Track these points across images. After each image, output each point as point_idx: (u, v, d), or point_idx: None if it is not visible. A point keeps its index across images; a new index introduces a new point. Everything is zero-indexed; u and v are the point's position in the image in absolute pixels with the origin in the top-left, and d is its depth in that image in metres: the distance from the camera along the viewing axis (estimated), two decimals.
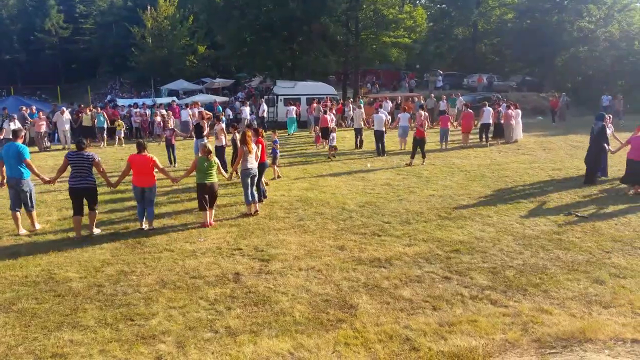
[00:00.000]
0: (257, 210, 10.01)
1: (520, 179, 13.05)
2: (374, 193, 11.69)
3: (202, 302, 6.16)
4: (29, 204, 8.94)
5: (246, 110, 25.28)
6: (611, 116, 14.75)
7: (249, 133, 10.17)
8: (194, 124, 14.67)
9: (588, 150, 12.58)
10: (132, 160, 8.92)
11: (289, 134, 24.19)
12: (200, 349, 5.11)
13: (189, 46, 47.04)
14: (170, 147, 15.51)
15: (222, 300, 6.21)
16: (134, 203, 10.90)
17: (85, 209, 8.85)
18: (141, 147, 8.99)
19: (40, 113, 20.61)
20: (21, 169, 8.75)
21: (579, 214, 9.78)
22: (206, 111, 19.99)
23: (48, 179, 9.08)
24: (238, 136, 13.52)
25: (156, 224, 9.38)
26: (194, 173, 9.42)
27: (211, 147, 9.80)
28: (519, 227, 9.01)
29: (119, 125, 21.81)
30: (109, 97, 43.74)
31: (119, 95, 45.72)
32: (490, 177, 13.36)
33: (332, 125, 18.63)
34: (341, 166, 15.27)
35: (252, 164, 9.98)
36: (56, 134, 21.51)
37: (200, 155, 9.43)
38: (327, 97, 27.04)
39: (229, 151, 14.37)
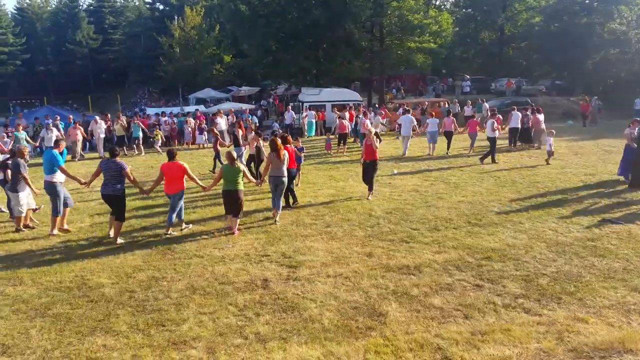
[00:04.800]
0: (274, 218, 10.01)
1: (552, 185, 12.77)
2: (401, 199, 11.59)
3: (231, 308, 6.19)
4: (56, 209, 9.35)
5: (289, 115, 26.67)
6: None
7: (278, 140, 10.16)
8: (232, 134, 14.91)
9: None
10: (164, 168, 9.13)
11: (307, 137, 24.88)
12: (230, 355, 5.13)
13: (216, 55, 47.70)
14: (215, 153, 15.52)
15: (251, 306, 6.23)
16: (164, 209, 11.10)
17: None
18: (172, 155, 9.18)
19: (77, 123, 21.09)
20: (53, 174, 9.26)
21: (614, 220, 9.51)
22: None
23: (84, 182, 9.63)
24: (262, 143, 13.70)
25: (186, 230, 9.50)
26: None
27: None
28: (551, 234, 8.81)
29: (156, 135, 22.21)
30: (140, 106, 44.66)
31: (147, 104, 46.59)
32: (521, 182, 13.11)
33: (369, 130, 18.82)
34: None
35: (280, 171, 9.93)
36: (87, 144, 22.04)
37: (225, 163, 9.49)
38: (361, 105, 27.25)
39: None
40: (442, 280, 6.90)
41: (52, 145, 9.61)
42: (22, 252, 8.51)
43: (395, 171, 15.16)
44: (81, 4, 73.04)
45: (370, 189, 11.78)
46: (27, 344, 5.43)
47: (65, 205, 9.53)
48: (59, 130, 20.18)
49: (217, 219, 10.27)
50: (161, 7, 67.19)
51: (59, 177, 9.37)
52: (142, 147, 21.28)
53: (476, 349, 5.15)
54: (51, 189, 9.26)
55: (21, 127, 18.51)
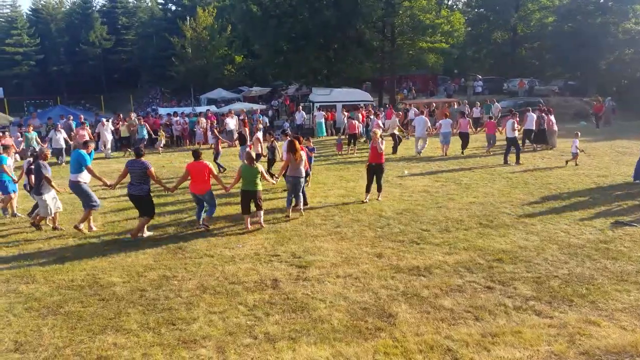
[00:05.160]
0: (288, 216, 10.24)
1: (564, 186, 12.65)
2: (412, 200, 11.55)
3: (241, 307, 6.21)
4: (86, 205, 9.47)
5: (299, 115, 26.88)
6: None
7: (296, 142, 10.36)
8: (238, 132, 15.32)
9: None
10: (190, 167, 9.23)
11: (318, 137, 24.90)
12: (240, 354, 5.14)
13: (227, 56, 47.87)
14: (215, 154, 15.82)
15: (260, 306, 6.24)
16: (174, 208, 11.19)
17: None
18: (197, 155, 9.33)
19: (84, 124, 21.27)
20: (78, 174, 9.34)
21: (627, 222, 9.40)
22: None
23: (109, 183, 9.69)
24: (277, 144, 13.78)
25: (196, 230, 9.56)
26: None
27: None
28: (564, 236, 8.73)
29: (160, 135, 22.37)
30: (152, 106, 45.01)
31: (160, 105, 46.87)
32: (533, 184, 13.01)
33: (393, 131, 19.29)
34: None
35: (299, 172, 10.18)
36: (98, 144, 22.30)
37: (244, 163, 9.58)
38: (369, 105, 27.21)
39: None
40: (452, 282, 6.86)
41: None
42: (35, 251, 8.60)
43: (406, 172, 15.11)
44: (94, 4, 73.73)
45: (380, 189, 11.57)
46: (40, 341, 5.49)
47: (93, 206, 9.53)
48: (71, 129, 20.40)
49: (226, 219, 10.30)
50: (173, 7, 67.54)
51: (84, 176, 9.42)
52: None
53: (486, 350, 5.12)
54: (76, 188, 9.34)
55: (31, 128, 18.76)
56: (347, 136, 20.32)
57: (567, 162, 15.66)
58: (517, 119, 17.45)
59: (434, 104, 28.18)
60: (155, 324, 5.82)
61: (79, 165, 9.35)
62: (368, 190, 11.50)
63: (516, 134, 16.43)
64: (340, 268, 7.45)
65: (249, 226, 9.44)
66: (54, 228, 9.80)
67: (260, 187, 9.49)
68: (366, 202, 11.29)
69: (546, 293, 6.47)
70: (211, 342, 5.39)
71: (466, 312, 5.97)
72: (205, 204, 9.58)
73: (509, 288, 6.63)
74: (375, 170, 11.35)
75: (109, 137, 21.11)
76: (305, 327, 5.68)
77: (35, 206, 10.44)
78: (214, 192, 9.79)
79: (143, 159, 9.05)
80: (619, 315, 5.84)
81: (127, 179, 9.13)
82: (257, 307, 6.21)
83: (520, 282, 6.80)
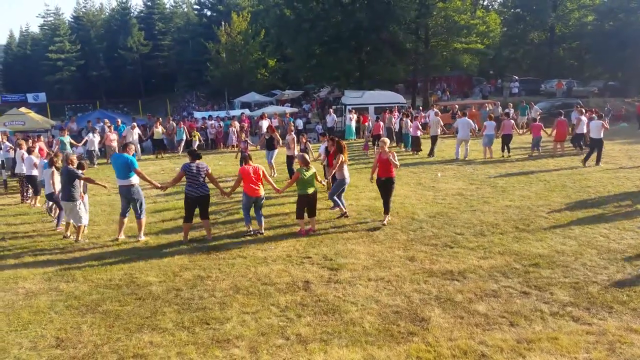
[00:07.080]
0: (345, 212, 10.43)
1: (604, 189, 12.27)
2: (445, 203, 11.41)
3: (273, 308, 6.26)
4: (138, 211, 9.44)
5: (330, 118, 27.17)
6: None
7: (343, 142, 10.51)
8: (266, 137, 15.50)
9: None
10: (243, 171, 9.30)
11: (347, 139, 24.87)
12: (272, 355, 5.18)
13: (261, 60, 48.40)
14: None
15: (292, 307, 6.28)
16: (209, 210, 11.32)
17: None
18: (247, 159, 9.58)
19: (111, 128, 21.76)
20: (130, 178, 9.25)
21: None
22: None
23: (160, 185, 9.75)
24: (310, 145, 13.89)
25: (230, 231, 9.68)
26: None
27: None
28: (603, 241, 8.46)
29: (194, 136, 22.83)
30: (187, 110, 45.94)
31: (195, 108, 47.74)
32: (571, 187, 12.66)
33: (420, 133, 19.51)
34: (410, 175, 15.03)
35: (347, 172, 10.40)
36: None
37: (300, 166, 9.55)
38: (395, 106, 26.93)
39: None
40: (487, 287, 6.74)
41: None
42: (74, 250, 8.90)
43: (440, 174, 14.94)
44: (132, 11, 75.69)
45: (387, 211, 9.90)
46: (79, 338, 5.67)
47: (142, 212, 9.52)
48: (104, 133, 21.03)
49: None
50: (209, 13, 68.76)
51: (134, 180, 9.32)
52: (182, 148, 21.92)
53: (521, 357, 5.01)
54: (130, 192, 9.25)
55: (66, 132, 19.45)
56: (372, 137, 20.35)
57: None
58: (606, 120, 16.74)
59: (457, 106, 27.27)
60: (189, 323, 5.93)
61: (128, 169, 9.18)
62: (386, 210, 9.96)
63: (602, 134, 15.71)
64: (372, 271, 7.43)
65: (304, 229, 9.43)
66: (76, 240, 9.49)
67: (316, 189, 9.54)
68: (385, 224, 9.77)
69: (584, 299, 6.29)
70: (244, 342, 5.46)
71: (501, 318, 5.85)
72: (256, 210, 9.49)
73: (545, 293, 6.48)
74: (384, 186, 9.81)
75: (135, 140, 21.70)
76: (337, 329, 5.68)
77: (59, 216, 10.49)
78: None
79: (199, 161, 9.13)
80: None
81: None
82: (289, 308, 6.26)
83: (558, 288, 6.63)
